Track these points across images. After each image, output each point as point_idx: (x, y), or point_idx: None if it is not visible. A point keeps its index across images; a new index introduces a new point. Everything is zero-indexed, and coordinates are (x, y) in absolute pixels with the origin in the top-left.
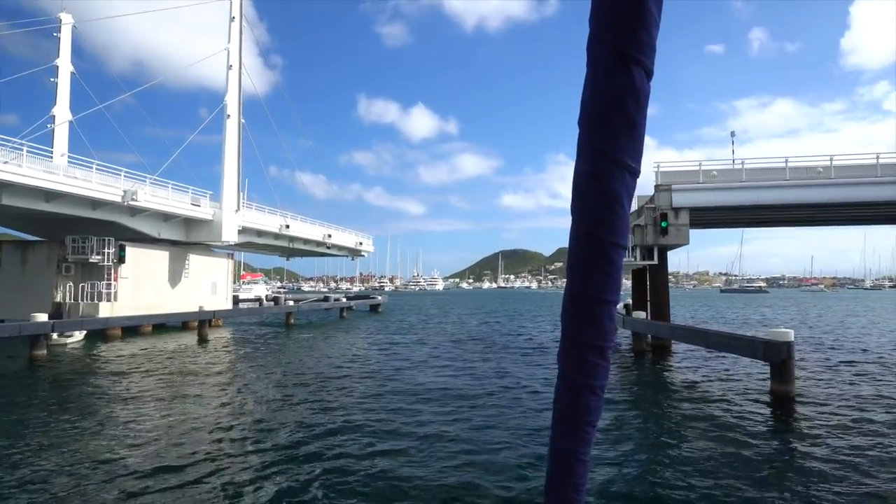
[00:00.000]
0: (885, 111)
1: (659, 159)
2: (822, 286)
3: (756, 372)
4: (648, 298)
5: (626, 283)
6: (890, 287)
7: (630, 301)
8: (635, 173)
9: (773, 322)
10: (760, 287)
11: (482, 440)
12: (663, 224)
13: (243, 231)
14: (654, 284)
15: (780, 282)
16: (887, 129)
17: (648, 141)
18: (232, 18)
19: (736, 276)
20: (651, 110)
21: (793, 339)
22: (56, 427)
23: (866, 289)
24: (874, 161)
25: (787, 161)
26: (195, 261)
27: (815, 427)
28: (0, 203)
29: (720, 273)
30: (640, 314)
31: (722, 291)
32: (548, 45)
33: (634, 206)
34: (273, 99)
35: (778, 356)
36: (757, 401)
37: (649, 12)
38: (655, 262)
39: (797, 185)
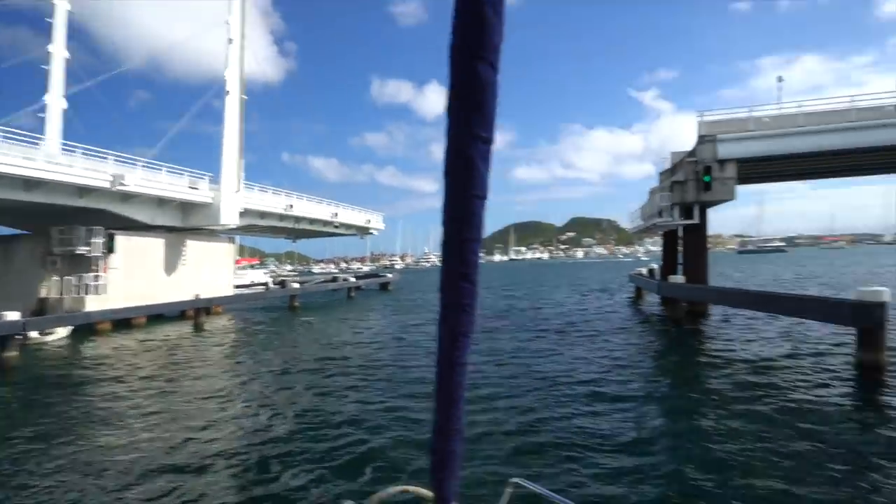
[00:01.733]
0: None
1: (674, 125)
2: (843, 243)
3: (820, 339)
4: (682, 262)
5: (655, 249)
6: None
7: (654, 266)
8: (488, 141)
9: (804, 283)
10: (778, 247)
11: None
12: (706, 178)
13: (245, 213)
14: (692, 246)
15: (797, 240)
16: None
17: (665, 106)
18: None
19: (751, 237)
20: (668, 75)
21: (889, 299)
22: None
23: (887, 243)
24: None
25: (853, 100)
26: (193, 247)
27: None
28: None
29: (734, 235)
30: (678, 278)
31: (739, 253)
32: (563, 14)
33: (668, 163)
34: (288, 86)
35: (869, 319)
36: (837, 374)
37: (489, 22)
38: (696, 220)
39: (866, 126)
